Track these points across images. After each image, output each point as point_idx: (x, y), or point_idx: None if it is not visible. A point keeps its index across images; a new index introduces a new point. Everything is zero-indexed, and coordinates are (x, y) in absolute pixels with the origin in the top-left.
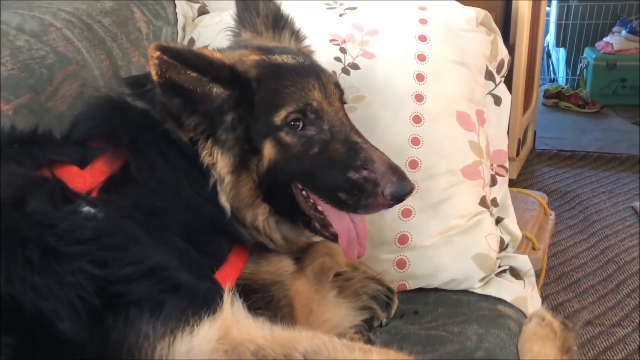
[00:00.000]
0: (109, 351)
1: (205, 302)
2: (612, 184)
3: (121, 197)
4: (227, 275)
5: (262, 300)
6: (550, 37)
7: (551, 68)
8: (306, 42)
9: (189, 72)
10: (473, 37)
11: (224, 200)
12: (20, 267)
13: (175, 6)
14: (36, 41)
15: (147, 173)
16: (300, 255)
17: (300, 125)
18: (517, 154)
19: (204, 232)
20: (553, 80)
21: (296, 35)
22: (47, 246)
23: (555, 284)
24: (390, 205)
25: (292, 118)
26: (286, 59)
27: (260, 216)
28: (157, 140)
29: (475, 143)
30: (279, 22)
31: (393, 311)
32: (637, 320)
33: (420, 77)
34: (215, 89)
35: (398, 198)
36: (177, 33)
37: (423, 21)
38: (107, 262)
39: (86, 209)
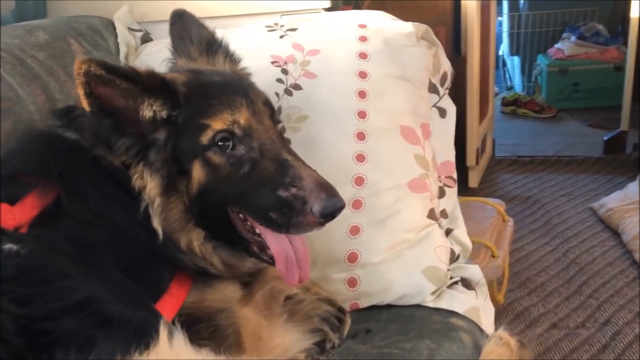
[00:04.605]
0: None
1: (140, 336)
2: (570, 186)
3: (52, 231)
4: (167, 305)
5: (207, 330)
6: (504, 46)
7: (507, 76)
8: (242, 64)
9: (119, 82)
10: (414, 51)
11: (155, 223)
12: None
13: (116, 36)
14: None
15: (79, 204)
16: (251, 280)
17: (230, 145)
18: (477, 163)
19: (141, 261)
20: (510, 88)
21: (230, 57)
22: None
23: (520, 289)
24: (322, 224)
25: (219, 137)
26: (214, 77)
27: (195, 241)
28: (87, 169)
29: (421, 156)
30: (212, 47)
31: (345, 332)
32: (600, 321)
33: (362, 94)
34: (146, 101)
35: (327, 215)
36: (120, 63)
37: (363, 39)
38: (30, 300)
39: (7, 246)
